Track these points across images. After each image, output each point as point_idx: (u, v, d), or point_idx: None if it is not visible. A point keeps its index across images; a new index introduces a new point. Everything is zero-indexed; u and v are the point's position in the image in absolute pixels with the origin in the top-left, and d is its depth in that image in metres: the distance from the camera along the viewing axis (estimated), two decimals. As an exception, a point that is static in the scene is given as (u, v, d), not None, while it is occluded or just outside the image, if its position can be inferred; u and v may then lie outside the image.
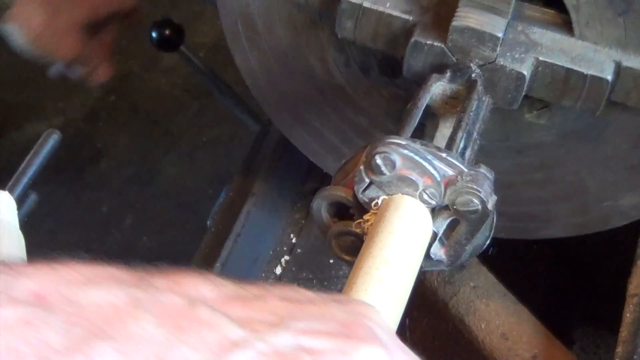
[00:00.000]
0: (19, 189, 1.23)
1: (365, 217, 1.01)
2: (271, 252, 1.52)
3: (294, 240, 1.54)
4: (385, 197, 1.00)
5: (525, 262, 1.86)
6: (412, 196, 1.00)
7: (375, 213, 1.00)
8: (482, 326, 1.45)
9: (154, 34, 1.97)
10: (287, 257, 1.52)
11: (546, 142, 1.26)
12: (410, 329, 1.58)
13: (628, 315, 1.32)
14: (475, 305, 1.46)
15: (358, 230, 1.03)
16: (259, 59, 1.36)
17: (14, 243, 1.09)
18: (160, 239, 3.08)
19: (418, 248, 0.98)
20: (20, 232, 1.12)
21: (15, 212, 1.15)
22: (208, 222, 1.81)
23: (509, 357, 1.41)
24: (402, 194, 1.00)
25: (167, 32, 1.97)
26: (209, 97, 3.39)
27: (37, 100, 3.45)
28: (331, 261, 1.50)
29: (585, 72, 1.12)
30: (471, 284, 1.49)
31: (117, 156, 3.32)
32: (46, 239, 3.03)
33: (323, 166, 1.45)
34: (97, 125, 3.41)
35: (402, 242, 0.95)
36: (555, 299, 1.91)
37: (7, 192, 1.16)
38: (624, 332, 1.30)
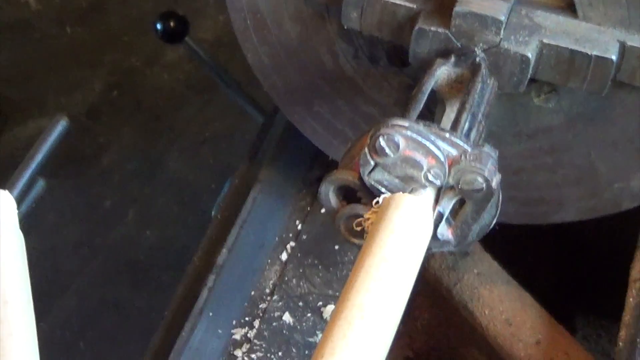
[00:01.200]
0: (27, 174, 1.24)
1: (366, 215, 1.02)
2: (277, 239, 1.53)
3: (299, 227, 1.55)
4: (386, 195, 1.01)
5: (527, 252, 1.86)
6: (416, 177, 1.01)
7: (376, 212, 1.01)
8: (486, 312, 1.46)
9: (158, 26, 1.98)
10: (292, 244, 1.53)
11: (555, 125, 1.27)
12: (415, 316, 1.59)
13: (631, 300, 1.33)
14: (479, 291, 1.47)
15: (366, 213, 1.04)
16: (269, 54, 1.37)
17: (14, 243, 1.08)
18: (163, 233, 3.09)
19: (418, 247, 0.99)
20: (20, 231, 1.11)
21: (15, 211, 1.14)
22: (213, 212, 1.82)
23: (513, 342, 1.42)
24: (403, 193, 1.00)
25: (171, 24, 1.98)
26: (211, 93, 3.41)
27: (40, 96, 3.47)
28: (336, 247, 1.51)
29: (589, 53, 1.12)
30: (475, 270, 1.50)
31: (119, 151, 3.33)
32: (49, 233, 3.04)
33: (335, 157, 1.46)
34: (100, 121, 3.43)
35: (402, 241, 0.96)
36: (558, 289, 1.92)
37: (7, 192, 1.15)
38: (627, 316, 1.31)
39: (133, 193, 3.20)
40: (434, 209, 1.03)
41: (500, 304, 1.46)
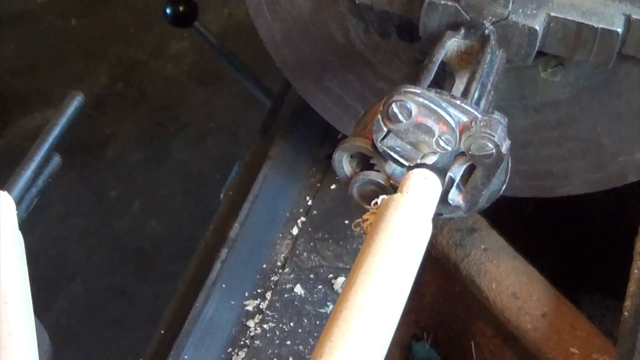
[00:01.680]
0: (44, 148, 1.25)
1: (365, 216, 1.03)
2: (288, 214, 1.55)
3: (309, 203, 1.57)
4: (384, 197, 1.02)
5: (532, 232, 1.88)
6: (428, 143, 1.03)
7: (375, 212, 1.01)
8: (493, 286, 1.47)
9: (168, 11, 2.00)
10: (303, 219, 1.55)
11: (562, 99, 1.30)
12: (422, 292, 1.62)
13: (636, 271, 1.34)
14: (486, 266, 1.49)
15: (380, 180, 1.07)
16: (282, 29, 1.39)
17: (13, 243, 1.08)
18: (168, 222, 3.11)
19: (417, 247, 0.99)
20: (19, 232, 1.11)
21: (15, 212, 1.14)
22: (221, 196, 1.84)
23: (520, 315, 1.44)
24: (402, 193, 1.01)
25: (181, 8, 2.00)
26: (215, 84, 3.43)
27: (45, 88, 3.49)
28: (346, 222, 1.53)
29: (595, 26, 1.15)
30: (482, 246, 1.51)
31: (124, 142, 3.35)
32: (55, 224, 3.06)
33: (346, 132, 1.48)
34: (105, 112, 3.45)
35: (401, 242, 0.96)
36: (563, 268, 1.94)
37: (6, 193, 1.15)
38: (632, 287, 1.33)
39: (138, 183, 3.22)
40: (438, 199, 1.04)
41: (507, 278, 1.47)
